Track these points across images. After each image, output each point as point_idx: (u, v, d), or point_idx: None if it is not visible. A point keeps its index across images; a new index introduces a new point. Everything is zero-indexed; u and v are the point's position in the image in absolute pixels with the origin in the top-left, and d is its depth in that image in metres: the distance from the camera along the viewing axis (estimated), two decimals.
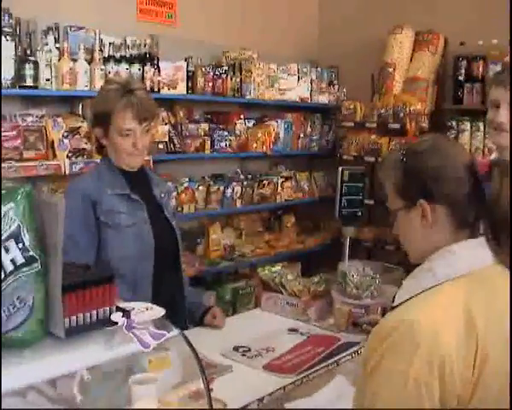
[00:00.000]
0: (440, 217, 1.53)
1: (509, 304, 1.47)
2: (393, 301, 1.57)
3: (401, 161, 1.58)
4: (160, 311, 1.62)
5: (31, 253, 1.38)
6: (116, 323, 1.50)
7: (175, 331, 1.60)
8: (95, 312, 1.48)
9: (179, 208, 4.63)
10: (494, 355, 1.40)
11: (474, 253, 1.52)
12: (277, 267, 3.18)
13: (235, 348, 2.51)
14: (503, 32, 4.69)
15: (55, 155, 3.89)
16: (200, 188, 4.89)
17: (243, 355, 2.46)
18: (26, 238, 1.37)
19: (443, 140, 1.64)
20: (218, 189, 5.01)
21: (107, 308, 1.50)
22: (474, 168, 1.52)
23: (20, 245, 1.36)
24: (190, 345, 1.64)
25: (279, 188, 5.52)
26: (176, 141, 4.65)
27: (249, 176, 5.39)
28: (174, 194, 4.52)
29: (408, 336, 1.38)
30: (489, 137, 3.95)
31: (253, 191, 5.31)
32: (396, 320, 1.44)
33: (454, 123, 5.04)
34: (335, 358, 2.47)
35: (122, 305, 1.57)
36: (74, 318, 1.44)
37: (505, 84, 2.40)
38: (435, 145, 1.57)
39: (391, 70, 5.37)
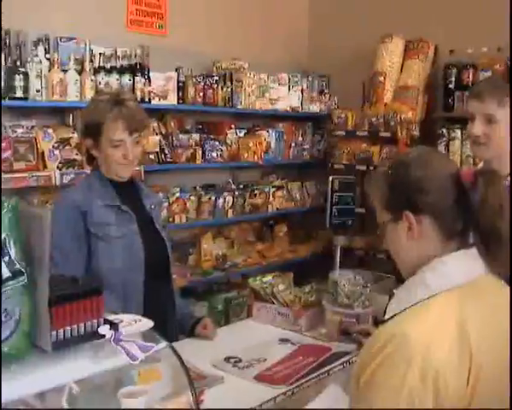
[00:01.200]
0: (427, 228, 1.50)
1: (510, 313, 1.45)
2: (385, 314, 1.55)
3: (386, 173, 1.58)
4: (148, 323, 1.61)
5: (17, 266, 1.37)
6: (104, 336, 1.50)
7: (163, 343, 1.60)
8: (82, 325, 1.47)
9: (170, 219, 4.62)
10: (488, 367, 1.38)
11: (467, 263, 1.50)
12: (268, 277, 3.17)
13: (226, 359, 2.50)
14: (492, 40, 4.73)
15: (45, 166, 3.88)
16: (192, 198, 4.87)
17: (234, 366, 2.45)
18: (12, 251, 1.36)
19: (428, 151, 1.63)
20: (210, 199, 5.00)
21: (95, 321, 1.49)
22: (459, 178, 1.50)
23: (6, 258, 1.36)
24: (179, 357, 1.63)
25: (270, 197, 5.52)
26: (167, 151, 4.65)
27: (241, 186, 5.39)
28: (165, 205, 4.52)
29: (400, 351, 1.36)
30: (470, 150, 3.94)
31: (244, 201, 5.31)
32: (388, 334, 1.41)
33: (445, 131, 5.04)
34: (327, 368, 2.45)
35: (110, 317, 1.56)
36: (61, 331, 1.43)
37: (479, 96, 2.39)
38: (419, 156, 1.57)
39: (381, 78, 5.39)
